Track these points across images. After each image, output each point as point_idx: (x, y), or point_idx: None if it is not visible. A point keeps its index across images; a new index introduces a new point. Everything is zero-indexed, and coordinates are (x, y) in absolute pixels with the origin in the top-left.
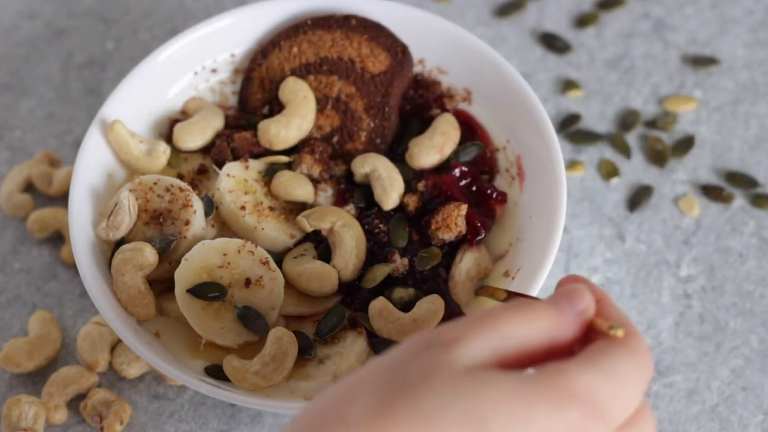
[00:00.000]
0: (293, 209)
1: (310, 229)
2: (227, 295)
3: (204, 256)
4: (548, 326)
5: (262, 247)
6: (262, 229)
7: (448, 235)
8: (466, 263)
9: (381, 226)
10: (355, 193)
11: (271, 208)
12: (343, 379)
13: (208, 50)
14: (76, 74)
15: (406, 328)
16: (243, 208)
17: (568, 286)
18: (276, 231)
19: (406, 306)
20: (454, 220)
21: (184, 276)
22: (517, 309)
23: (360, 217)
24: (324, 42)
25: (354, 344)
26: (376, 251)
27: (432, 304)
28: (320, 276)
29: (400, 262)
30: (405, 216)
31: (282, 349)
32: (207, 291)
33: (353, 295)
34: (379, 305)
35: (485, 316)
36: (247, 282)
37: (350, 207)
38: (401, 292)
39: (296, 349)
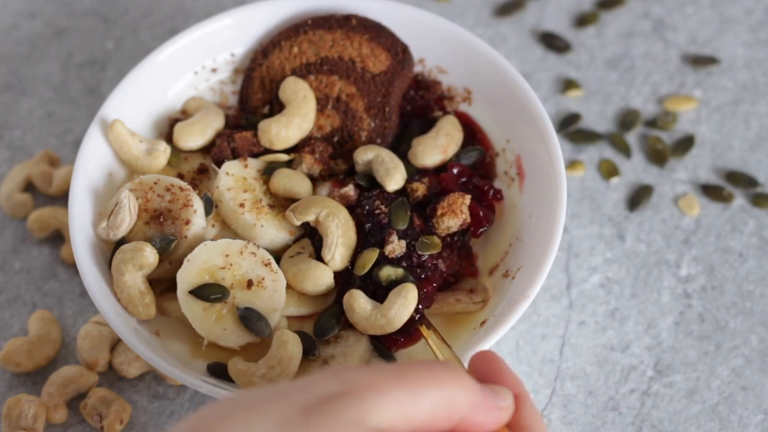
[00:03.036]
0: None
1: (297, 223)
2: (229, 297)
3: (206, 256)
4: (467, 400)
5: (262, 245)
6: (262, 226)
7: (453, 222)
8: (463, 301)
9: (382, 207)
10: (357, 175)
11: (271, 206)
12: (240, 396)
13: (208, 50)
14: (76, 74)
15: (378, 324)
16: (242, 205)
17: (495, 386)
18: (275, 228)
19: (392, 285)
20: (459, 207)
21: (186, 277)
22: (443, 370)
23: (361, 198)
24: (324, 42)
25: (357, 344)
26: (374, 232)
27: (402, 298)
28: (313, 276)
29: (396, 243)
30: (408, 201)
31: (288, 353)
32: (209, 292)
33: (347, 285)
34: (349, 299)
35: (406, 370)
36: (249, 283)
37: (350, 188)
38: (389, 271)
39: (301, 351)
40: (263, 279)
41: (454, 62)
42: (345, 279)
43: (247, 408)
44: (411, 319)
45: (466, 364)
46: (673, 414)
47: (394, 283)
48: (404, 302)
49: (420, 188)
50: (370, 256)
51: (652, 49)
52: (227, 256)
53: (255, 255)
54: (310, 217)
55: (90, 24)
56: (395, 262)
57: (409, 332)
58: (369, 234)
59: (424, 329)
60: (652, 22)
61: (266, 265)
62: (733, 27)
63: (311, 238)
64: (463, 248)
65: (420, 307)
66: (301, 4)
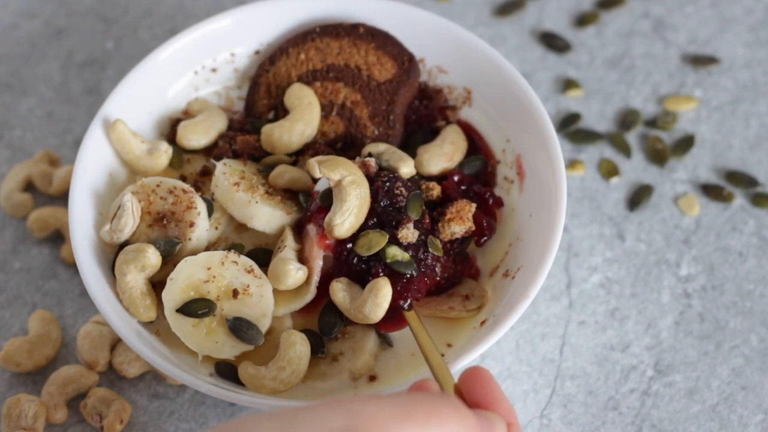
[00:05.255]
0: (291, 196)
1: (318, 175)
2: (216, 309)
3: (188, 272)
4: None
5: (258, 227)
6: (257, 202)
7: (459, 228)
8: (456, 309)
9: (403, 189)
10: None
11: (268, 192)
12: (246, 424)
13: (207, 49)
14: (76, 73)
15: (358, 317)
16: (236, 184)
17: (490, 413)
18: (270, 206)
19: (395, 264)
20: (466, 214)
21: (172, 296)
22: (445, 406)
23: (379, 174)
24: (331, 49)
25: (364, 339)
26: (388, 211)
27: (374, 296)
28: (278, 275)
29: (411, 231)
30: (423, 197)
31: (296, 353)
32: (196, 308)
33: (346, 262)
34: (330, 291)
35: (412, 406)
36: (235, 293)
37: (372, 159)
38: (395, 251)
39: (309, 351)
40: (248, 286)
41: (454, 62)
42: (340, 254)
43: None
44: (397, 308)
45: (462, 358)
46: (673, 414)
47: (398, 264)
48: (375, 300)
49: (436, 188)
50: (379, 239)
51: (652, 48)
52: (209, 268)
53: (237, 263)
54: (334, 176)
55: (90, 24)
56: (403, 247)
57: (396, 319)
58: (383, 211)
59: (410, 319)
60: (652, 21)
61: (249, 272)
62: (733, 27)
63: (298, 227)
64: (459, 255)
65: (409, 297)
66: (301, 3)
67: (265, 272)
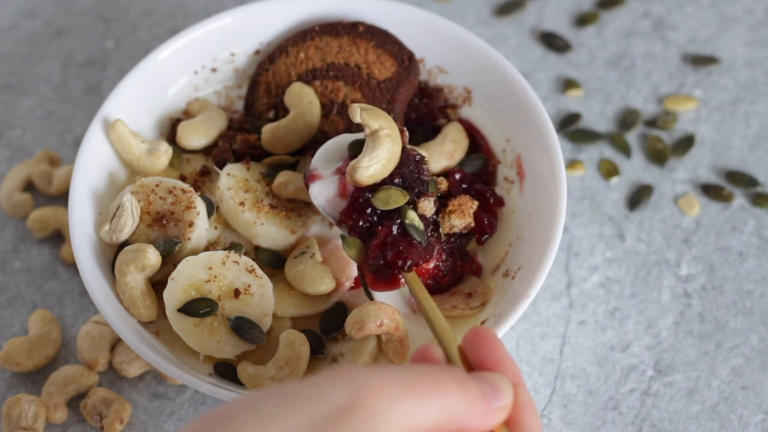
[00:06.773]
0: (295, 208)
1: (358, 120)
2: (218, 309)
3: (190, 272)
4: (468, 410)
5: (264, 244)
6: (262, 224)
7: (459, 222)
8: (459, 307)
9: (427, 165)
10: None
11: (272, 206)
12: (247, 403)
13: (208, 49)
14: (76, 73)
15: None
16: (242, 203)
17: (495, 376)
18: (276, 226)
19: (411, 228)
20: (467, 209)
21: (173, 295)
22: (448, 378)
23: (409, 147)
24: (331, 48)
25: (366, 341)
26: (412, 176)
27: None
28: (311, 278)
29: (430, 206)
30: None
31: (295, 352)
32: (198, 308)
33: (358, 210)
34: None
35: (415, 379)
36: (236, 293)
37: (406, 130)
38: (413, 215)
39: (308, 350)
40: (249, 286)
41: (454, 62)
42: (356, 200)
43: (256, 423)
44: (394, 267)
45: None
46: (673, 413)
47: (413, 229)
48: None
49: (444, 182)
50: (399, 197)
51: (652, 48)
52: (210, 268)
53: (238, 263)
54: (372, 125)
55: (90, 23)
56: (420, 216)
57: (389, 280)
58: (409, 175)
59: (412, 281)
60: (652, 21)
61: (250, 271)
62: (733, 26)
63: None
64: (459, 251)
65: (409, 259)
66: (301, 3)
67: (268, 272)
